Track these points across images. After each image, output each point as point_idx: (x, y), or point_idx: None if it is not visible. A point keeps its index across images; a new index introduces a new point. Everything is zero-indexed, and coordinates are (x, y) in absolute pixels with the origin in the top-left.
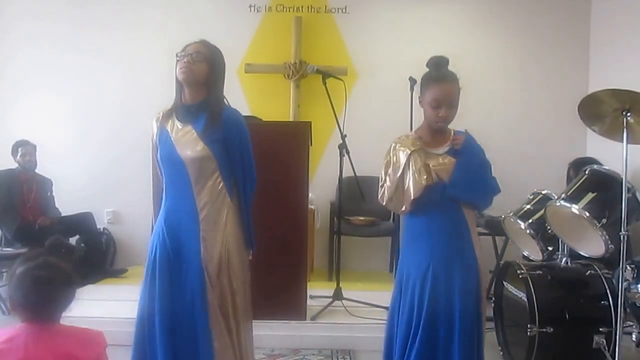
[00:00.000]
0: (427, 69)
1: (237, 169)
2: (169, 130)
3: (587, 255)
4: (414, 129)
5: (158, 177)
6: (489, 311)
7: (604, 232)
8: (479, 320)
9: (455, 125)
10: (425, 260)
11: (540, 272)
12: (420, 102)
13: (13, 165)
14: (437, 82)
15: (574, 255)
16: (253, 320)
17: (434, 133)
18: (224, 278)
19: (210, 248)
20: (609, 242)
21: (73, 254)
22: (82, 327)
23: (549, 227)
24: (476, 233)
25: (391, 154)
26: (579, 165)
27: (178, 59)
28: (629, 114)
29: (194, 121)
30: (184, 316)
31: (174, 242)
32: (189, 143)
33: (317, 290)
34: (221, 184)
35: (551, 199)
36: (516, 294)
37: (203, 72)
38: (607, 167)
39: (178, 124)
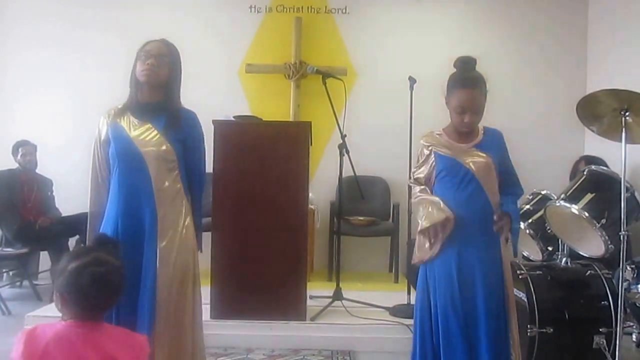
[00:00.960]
0: (454, 69)
1: (194, 168)
2: (124, 126)
3: (587, 255)
4: (413, 128)
5: (96, 176)
6: None
7: (604, 232)
8: (504, 311)
9: None
10: (454, 252)
11: (540, 273)
12: (446, 102)
13: (13, 165)
14: (462, 87)
15: (574, 255)
16: (253, 321)
17: (462, 132)
18: (186, 284)
19: (170, 248)
20: (609, 242)
21: (119, 249)
22: (126, 329)
23: (548, 227)
24: None
25: (421, 152)
26: (589, 161)
27: (140, 58)
28: (627, 114)
29: (153, 119)
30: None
31: (132, 240)
32: (151, 140)
33: (317, 291)
34: (179, 184)
35: (550, 199)
36: (516, 294)
37: (165, 74)
38: (605, 168)
39: (134, 121)
